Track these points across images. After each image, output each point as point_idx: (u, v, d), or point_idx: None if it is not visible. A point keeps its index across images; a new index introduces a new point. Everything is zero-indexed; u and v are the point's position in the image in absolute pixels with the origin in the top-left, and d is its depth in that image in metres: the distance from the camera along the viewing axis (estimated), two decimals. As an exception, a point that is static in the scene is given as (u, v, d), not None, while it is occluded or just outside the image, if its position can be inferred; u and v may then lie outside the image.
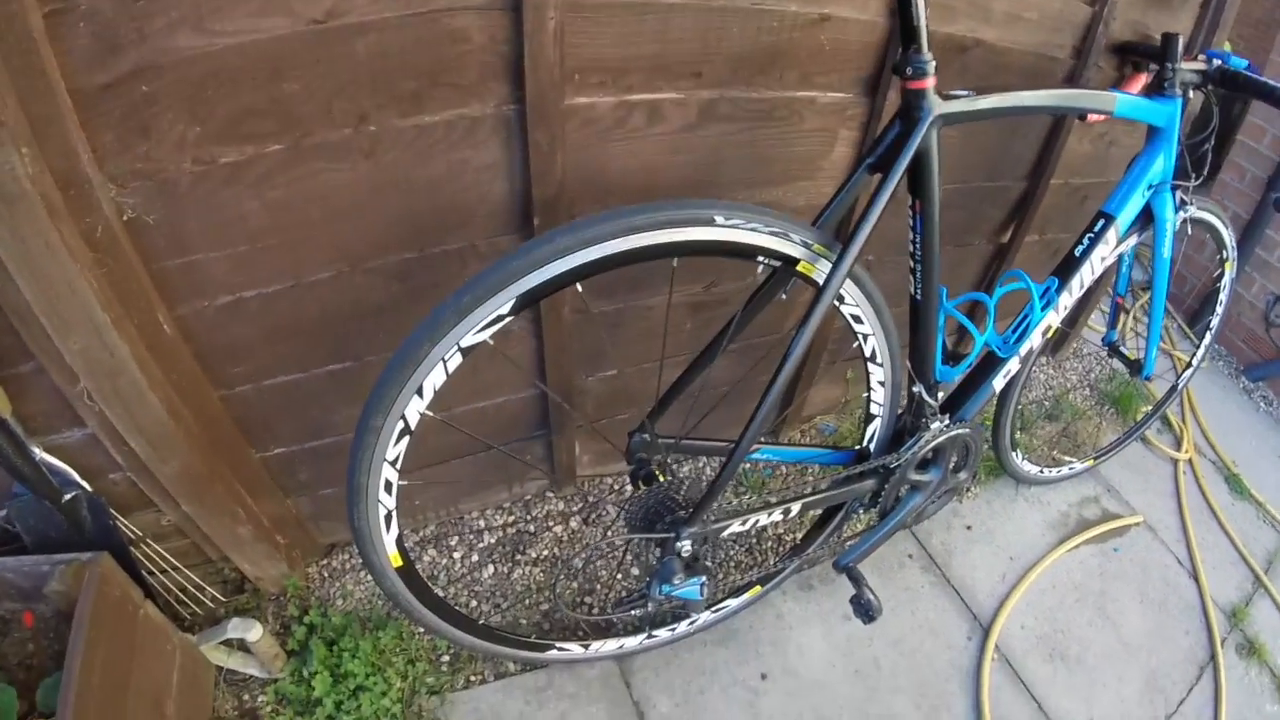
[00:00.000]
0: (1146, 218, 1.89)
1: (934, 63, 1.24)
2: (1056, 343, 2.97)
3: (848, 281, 1.37)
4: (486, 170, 1.36)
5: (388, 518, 1.25)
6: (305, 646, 1.73)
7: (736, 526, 1.55)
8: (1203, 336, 2.55)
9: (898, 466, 1.70)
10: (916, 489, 1.83)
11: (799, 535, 2.17)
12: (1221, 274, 2.36)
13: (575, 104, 1.32)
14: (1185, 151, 1.86)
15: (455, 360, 1.10)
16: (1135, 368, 2.28)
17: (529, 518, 2.14)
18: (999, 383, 1.81)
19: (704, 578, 1.49)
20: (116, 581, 1.34)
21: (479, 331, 1.09)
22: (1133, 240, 1.96)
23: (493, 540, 2.04)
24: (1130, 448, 2.68)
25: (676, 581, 1.46)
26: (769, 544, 2.20)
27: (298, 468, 1.71)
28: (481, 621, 1.63)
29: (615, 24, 1.26)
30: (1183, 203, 1.90)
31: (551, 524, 2.11)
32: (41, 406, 1.29)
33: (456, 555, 2.00)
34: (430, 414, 1.13)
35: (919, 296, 1.53)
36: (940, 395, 1.71)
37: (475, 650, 1.63)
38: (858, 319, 1.50)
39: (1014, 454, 2.28)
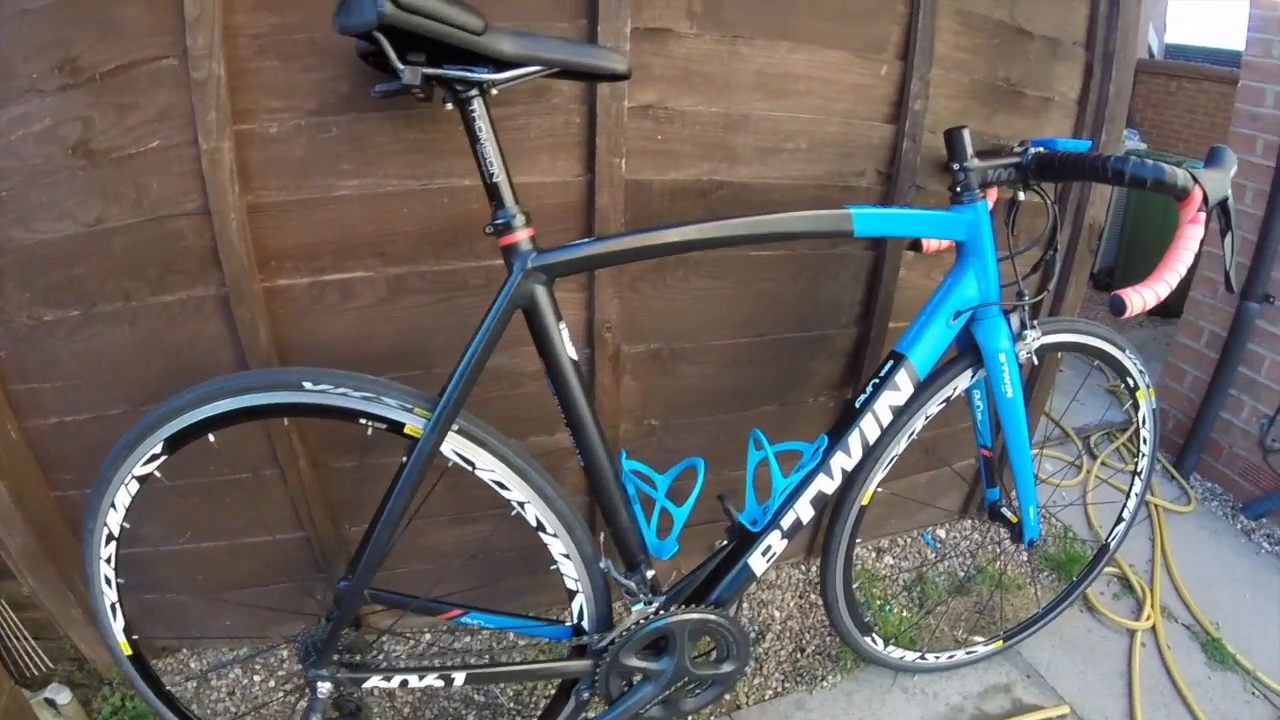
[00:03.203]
0: (977, 351, 1.23)
1: (522, 216, 0.95)
2: (983, 501, 2.13)
3: (471, 444, 1.02)
4: (215, 340, 1.25)
5: (113, 608, 1.16)
6: (105, 723, 1.50)
7: (377, 680, 1.11)
8: (1131, 485, 1.62)
9: (603, 650, 1.11)
10: (649, 678, 1.18)
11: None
12: (1136, 406, 1.50)
13: (275, 285, 1.20)
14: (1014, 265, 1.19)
15: (134, 486, 1.06)
16: (1015, 533, 1.44)
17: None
18: (758, 563, 1.16)
19: None
20: (-40, 623, 1.28)
21: (145, 465, 1.04)
22: (962, 381, 1.23)
23: (285, 673, 1.66)
24: (1073, 622, 1.74)
25: None
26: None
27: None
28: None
29: (293, 218, 1.15)
30: (1023, 327, 1.20)
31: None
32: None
33: (256, 679, 1.67)
34: (128, 526, 1.10)
35: (582, 464, 1.05)
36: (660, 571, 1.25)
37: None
38: (502, 485, 1.05)
39: (867, 640, 1.44)
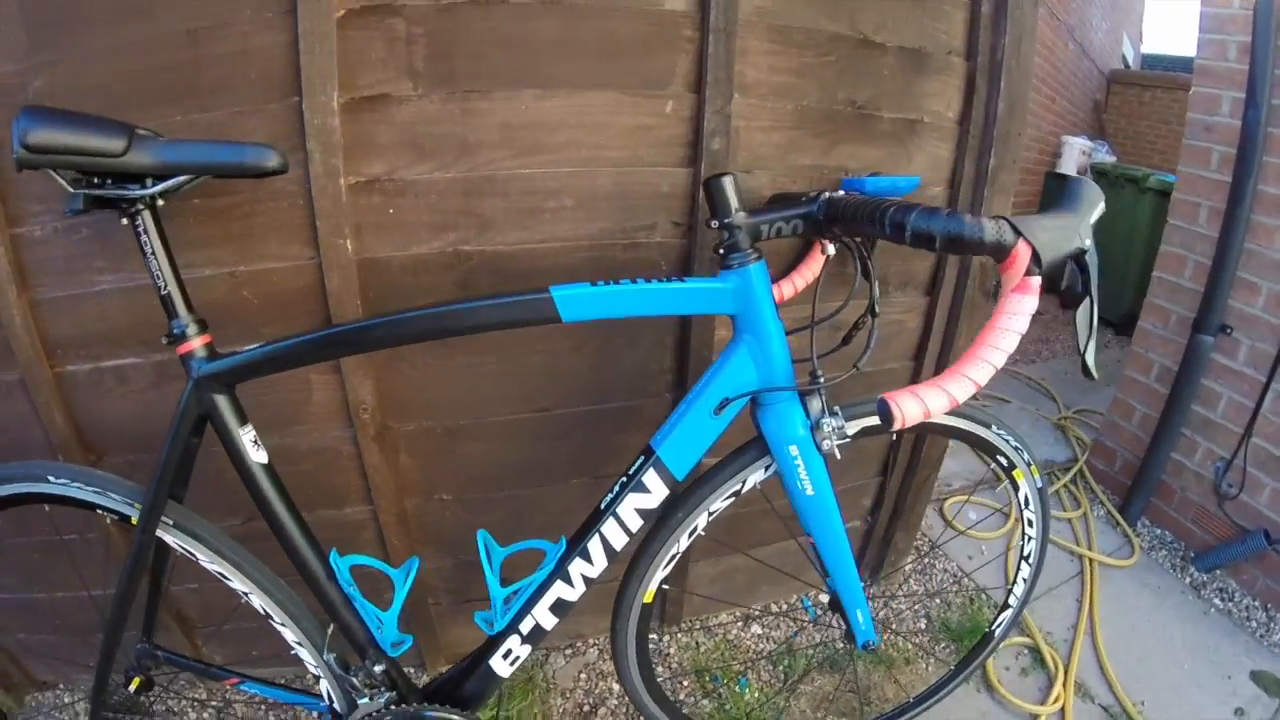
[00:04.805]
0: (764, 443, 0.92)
1: (195, 325, 0.85)
2: (876, 562, 1.64)
3: (187, 538, 0.94)
4: (24, 420, 1.18)
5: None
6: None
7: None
8: (1018, 570, 1.23)
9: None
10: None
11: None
12: (1015, 486, 1.14)
13: (63, 371, 1.13)
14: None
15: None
16: (848, 633, 1.11)
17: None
18: (501, 666, 0.96)
19: None
20: None
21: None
22: (753, 474, 0.96)
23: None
24: (967, 703, 1.39)
25: None
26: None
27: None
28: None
29: (66, 311, 1.08)
30: (821, 416, 0.89)
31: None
32: None
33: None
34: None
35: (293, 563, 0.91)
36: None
37: None
38: (224, 576, 0.94)
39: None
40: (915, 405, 0.71)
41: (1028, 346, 3.32)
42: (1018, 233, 0.67)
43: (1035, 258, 0.68)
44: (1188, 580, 1.74)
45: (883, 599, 1.62)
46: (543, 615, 0.94)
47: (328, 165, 0.93)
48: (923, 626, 1.55)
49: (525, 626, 0.94)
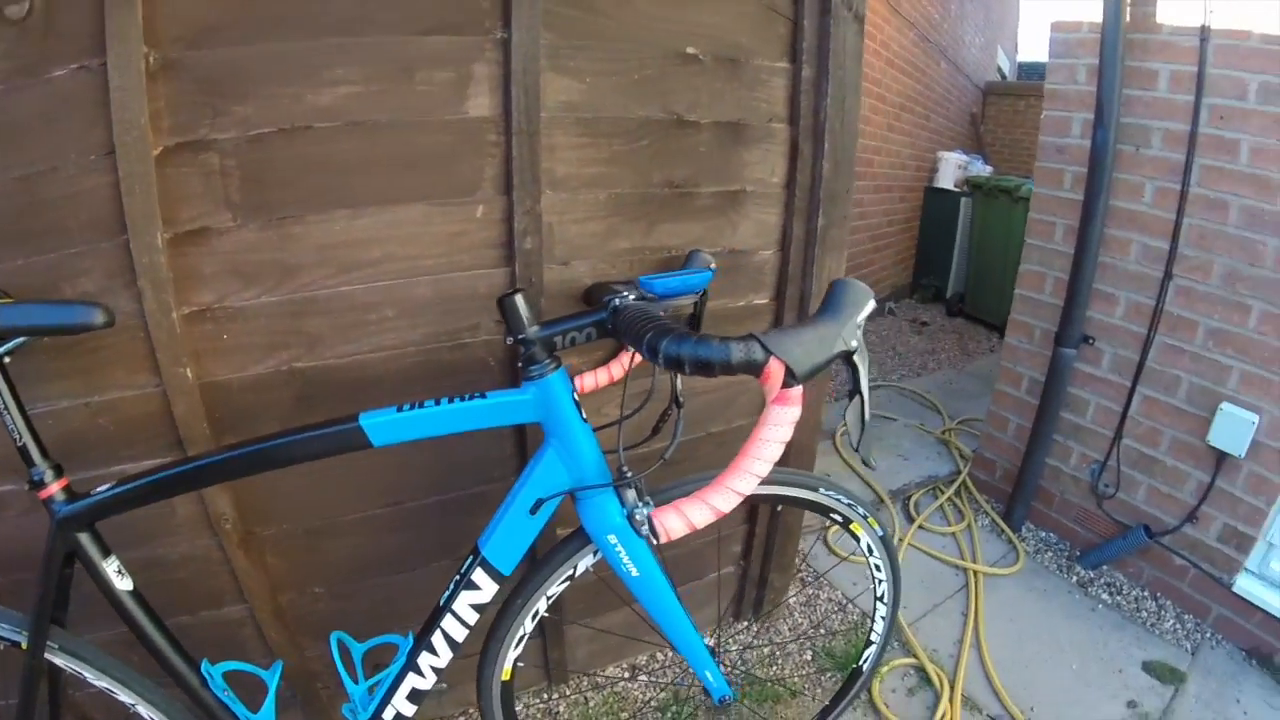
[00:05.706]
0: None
1: (51, 471, 0.90)
2: (755, 602, 1.72)
3: (74, 660, 0.99)
4: None
5: None
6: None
7: None
8: (875, 610, 1.31)
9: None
10: None
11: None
12: (856, 538, 1.20)
13: None
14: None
15: None
16: (705, 690, 1.19)
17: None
18: None
19: None
20: None
21: None
22: (583, 559, 1.04)
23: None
24: None
25: None
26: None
27: None
28: None
29: None
30: (636, 506, 0.93)
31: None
32: None
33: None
34: None
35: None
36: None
37: None
38: (112, 691, 1.01)
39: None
40: (678, 521, 0.78)
41: (913, 360, 3.44)
42: (768, 351, 0.70)
43: (790, 371, 0.70)
44: (1074, 579, 1.84)
45: (771, 639, 1.70)
46: (402, 704, 1.02)
47: (160, 300, 0.99)
48: (809, 658, 1.64)
49: (388, 715, 1.02)
